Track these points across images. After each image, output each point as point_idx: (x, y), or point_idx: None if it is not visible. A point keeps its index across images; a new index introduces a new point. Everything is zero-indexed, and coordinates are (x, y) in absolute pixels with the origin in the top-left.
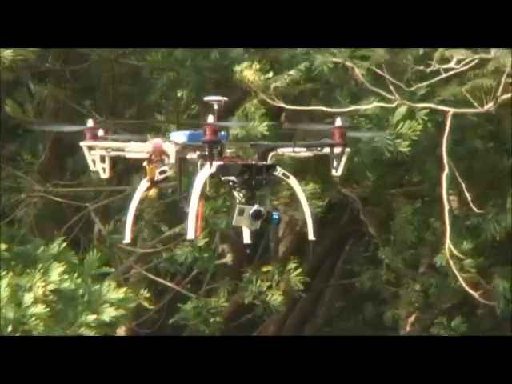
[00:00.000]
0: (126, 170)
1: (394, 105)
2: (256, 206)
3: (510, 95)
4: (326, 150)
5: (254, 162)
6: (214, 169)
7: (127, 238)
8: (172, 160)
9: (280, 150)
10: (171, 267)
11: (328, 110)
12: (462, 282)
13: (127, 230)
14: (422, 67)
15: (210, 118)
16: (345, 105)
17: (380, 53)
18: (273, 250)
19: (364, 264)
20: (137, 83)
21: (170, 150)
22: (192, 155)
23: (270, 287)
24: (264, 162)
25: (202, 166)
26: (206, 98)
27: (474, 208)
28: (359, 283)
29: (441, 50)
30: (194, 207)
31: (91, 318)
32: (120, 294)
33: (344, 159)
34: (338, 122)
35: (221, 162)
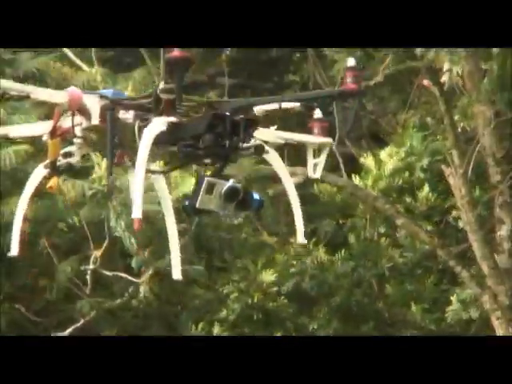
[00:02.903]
0: None
1: None
2: (231, 182)
3: None
4: (302, 138)
5: (228, 113)
6: (163, 126)
7: (14, 250)
8: (95, 120)
9: (258, 109)
10: None
11: None
12: None
13: (14, 239)
14: None
15: None
16: None
17: None
18: None
19: None
20: None
21: (93, 104)
22: (125, 115)
23: None
24: (242, 116)
25: (141, 130)
26: None
27: None
28: None
29: None
30: (140, 179)
31: None
32: None
33: (325, 154)
34: (351, 61)
35: (173, 118)
